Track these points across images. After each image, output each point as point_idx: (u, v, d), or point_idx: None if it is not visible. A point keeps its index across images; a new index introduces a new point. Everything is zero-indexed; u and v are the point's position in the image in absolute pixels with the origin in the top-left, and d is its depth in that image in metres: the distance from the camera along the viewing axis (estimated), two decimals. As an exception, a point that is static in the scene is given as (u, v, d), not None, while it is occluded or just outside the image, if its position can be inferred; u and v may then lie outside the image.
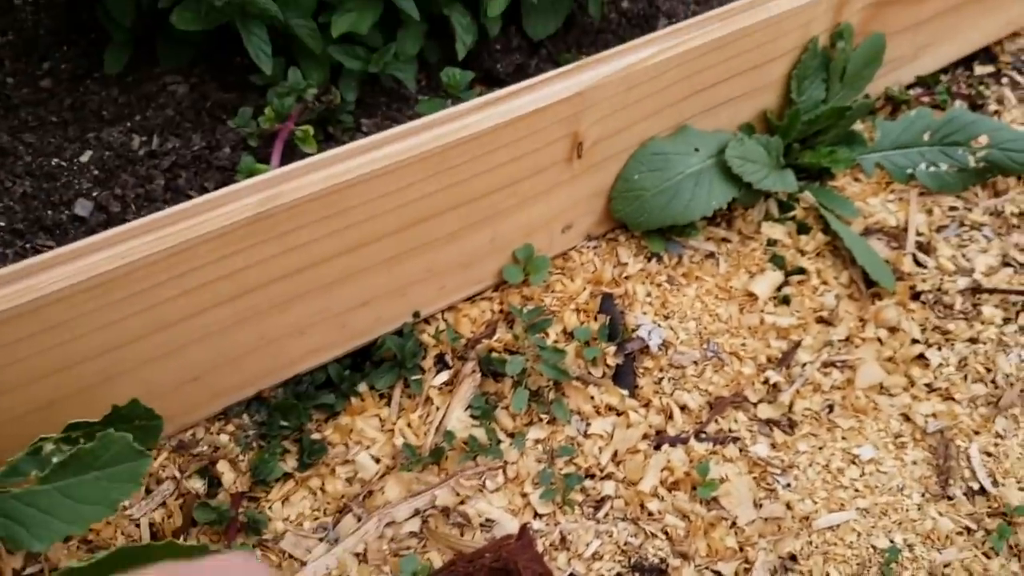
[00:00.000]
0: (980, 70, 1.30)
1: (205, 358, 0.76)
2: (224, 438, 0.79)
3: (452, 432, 0.81)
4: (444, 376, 0.85)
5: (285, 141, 0.84)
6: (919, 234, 1.02)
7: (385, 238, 0.79)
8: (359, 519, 0.76)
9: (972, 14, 1.22)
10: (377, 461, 0.80)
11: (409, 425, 0.82)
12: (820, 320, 0.92)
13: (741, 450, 0.81)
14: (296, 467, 0.79)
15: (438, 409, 0.83)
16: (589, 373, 0.86)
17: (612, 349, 0.87)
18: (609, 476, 0.80)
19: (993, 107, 1.21)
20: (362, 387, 0.84)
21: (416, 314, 0.86)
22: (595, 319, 0.90)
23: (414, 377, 0.84)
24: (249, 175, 0.74)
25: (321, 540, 0.75)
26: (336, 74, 0.94)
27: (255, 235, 0.71)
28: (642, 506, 0.77)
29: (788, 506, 0.78)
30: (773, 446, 0.82)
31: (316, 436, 0.81)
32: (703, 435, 0.82)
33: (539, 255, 0.91)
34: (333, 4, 0.88)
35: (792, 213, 1.02)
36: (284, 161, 0.83)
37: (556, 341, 0.88)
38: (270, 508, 0.76)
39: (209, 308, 0.73)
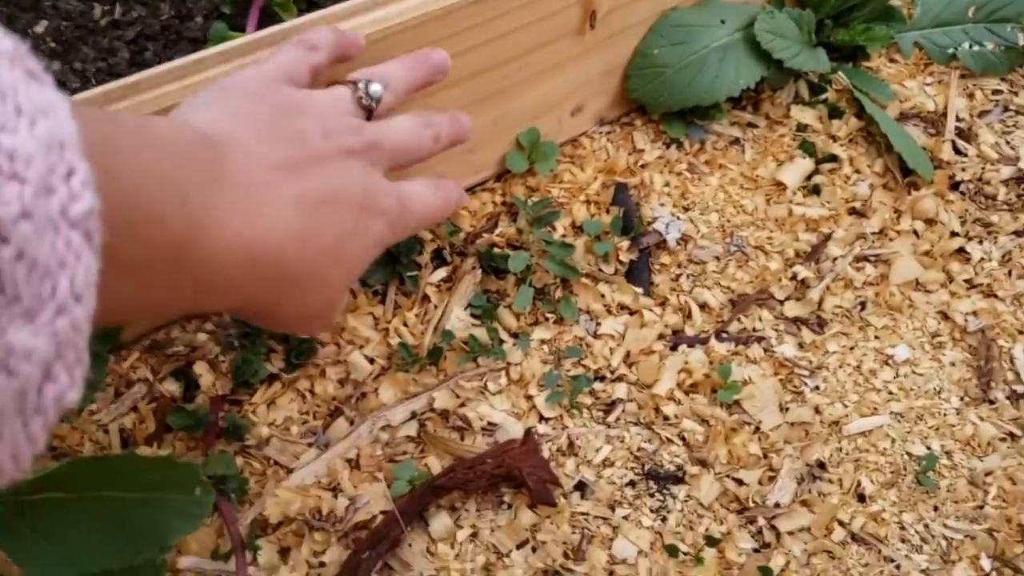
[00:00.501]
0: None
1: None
2: (202, 337, 0.72)
3: (451, 331, 0.74)
4: (442, 273, 0.78)
5: (262, 7, 0.75)
6: (959, 119, 0.94)
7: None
8: (351, 423, 0.70)
9: None
10: (371, 362, 0.73)
11: (405, 324, 0.76)
12: (853, 211, 0.85)
13: (766, 350, 0.75)
14: (283, 368, 0.72)
15: (436, 307, 0.77)
16: (600, 270, 0.79)
17: (626, 244, 0.80)
18: (621, 378, 0.73)
19: (1043, -18, 1.11)
20: (354, 284, 0.77)
21: (411, 203, 0.79)
22: (607, 211, 0.82)
23: (409, 274, 0.77)
24: (220, 43, 0.66)
25: (310, 445, 0.70)
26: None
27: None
28: (657, 410, 0.71)
29: (816, 410, 0.71)
30: (801, 346, 0.75)
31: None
32: (724, 335, 0.76)
33: (546, 141, 0.82)
34: None
35: (824, 96, 0.93)
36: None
37: (564, 235, 0.80)
38: (253, 412, 0.70)
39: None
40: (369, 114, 0.57)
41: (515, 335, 0.76)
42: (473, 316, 0.76)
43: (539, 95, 0.81)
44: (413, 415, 0.71)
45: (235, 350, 0.72)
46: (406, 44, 0.67)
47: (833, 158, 0.88)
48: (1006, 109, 0.96)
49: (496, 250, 0.78)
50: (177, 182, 0.38)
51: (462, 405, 0.71)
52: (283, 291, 0.47)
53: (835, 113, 0.91)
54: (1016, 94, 0.97)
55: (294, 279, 0.47)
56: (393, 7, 0.67)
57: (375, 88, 0.57)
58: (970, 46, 0.97)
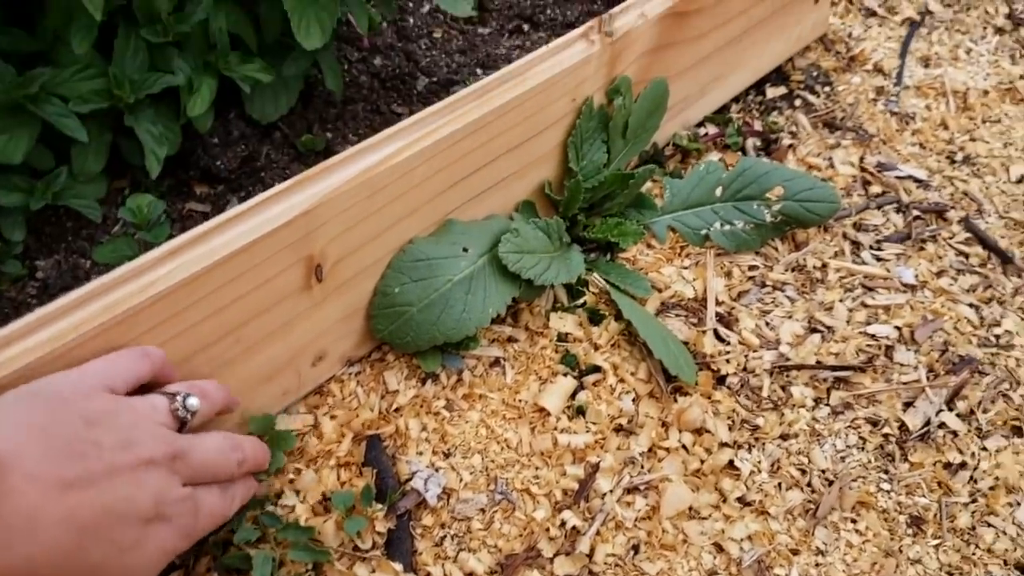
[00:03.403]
0: (772, 92, 1.23)
1: None
2: None
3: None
4: (172, 581, 0.68)
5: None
6: (719, 303, 0.93)
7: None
8: None
9: (759, 39, 1.14)
10: None
11: (129, 654, 0.65)
12: (619, 429, 0.81)
13: (538, 625, 0.69)
14: None
15: (168, 625, 0.67)
16: (356, 548, 0.71)
17: (382, 512, 0.73)
18: None
19: (787, 140, 1.14)
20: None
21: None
22: (360, 473, 0.75)
23: (132, 589, 0.67)
24: None
25: None
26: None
27: None
28: None
29: None
30: (575, 612, 0.70)
31: None
32: (494, 609, 0.70)
33: (281, 430, 0.74)
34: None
35: (583, 300, 0.90)
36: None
37: (316, 512, 0.72)
38: None
39: None
40: (182, 425, 0.59)
41: (264, 643, 0.67)
42: (212, 629, 0.67)
43: (269, 357, 0.73)
44: None
45: None
46: (90, 351, 0.59)
47: (596, 368, 0.85)
48: (763, 285, 0.96)
49: (233, 548, 0.70)
50: None
51: None
52: None
53: (595, 318, 0.89)
54: (771, 268, 0.98)
55: None
56: (62, 322, 0.58)
57: (192, 402, 0.60)
58: (721, 226, 0.97)
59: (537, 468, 0.78)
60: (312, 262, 0.72)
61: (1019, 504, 0.79)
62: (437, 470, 0.76)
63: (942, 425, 0.85)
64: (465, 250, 0.81)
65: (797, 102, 1.22)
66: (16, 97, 0.66)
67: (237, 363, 0.71)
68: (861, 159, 1.14)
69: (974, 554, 0.76)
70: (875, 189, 1.09)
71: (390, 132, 0.75)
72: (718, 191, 0.97)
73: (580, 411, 0.82)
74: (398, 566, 0.70)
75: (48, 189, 0.71)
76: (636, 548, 0.74)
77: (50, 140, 0.71)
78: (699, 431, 0.82)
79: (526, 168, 0.87)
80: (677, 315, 0.91)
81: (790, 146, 1.13)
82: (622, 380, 0.85)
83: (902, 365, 0.89)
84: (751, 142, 1.12)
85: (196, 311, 0.64)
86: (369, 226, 0.75)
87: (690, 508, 0.77)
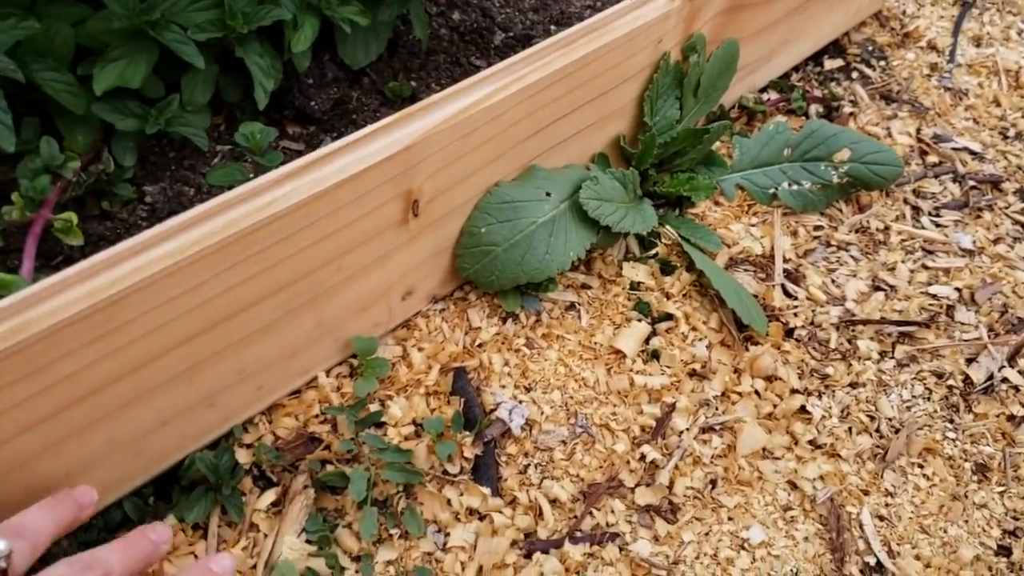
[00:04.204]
0: (830, 64, 1.25)
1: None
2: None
3: (287, 561, 0.67)
4: (270, 496, 0.71)
5: (40, 236, 0.67)
6: (786, 260, 0.95)
7: (179, 347, 0.64)
8: None
9: (822, 8, 1.16)
10: (194, 617, 0.65)
11: (232, 562, 0.68)
12: (693, 374, 0.84)
13: (622, 549, 0.72)
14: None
15: (266, 537, 0.70)
16: (445, 472, 0.74)
17: (469, 439, 0.76)
18: (475, 600, 0.69)
19: (848, 109, 1.16)
20: (169, 520, 0.69)
21: (230, 433, 0.72)
22: (448, 402, 0.78)
23: (233, 501, 0.70)
24: (-13, 291, 0.58)
25: None
26: (110, 133, 0.77)
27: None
28: (516, 634, 0.67)
29: (678, 615, 0.69)
30: (656, 539, 0.73)
31: (115, 593, 0.66)
32: (578, 534, 0.72)
33: (375, 358, 0.77)
34: (95, 50, 0.71)
35: (654, 251, 0.92)
36: (44, 258, 0.66)
37: (403, 437, 0.75)
38: None
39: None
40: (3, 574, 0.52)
41: (357, 558, 0.70)
42: (309, 542, 0.70)
43: (365, 288, 0.76)
44: (247, 676, 0.64)
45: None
46: (208, 268, 0.62)
47: (669, 316, 0.87)
48: (828, 245, 0.98)
49: (329, 467, 0.72)
50: None
51: (302, 657, 0.64)
52: None
53: (667, 268, 0.91)
54: (836, 229, 1.00)
55: None
56: (183, 236, 0.61)
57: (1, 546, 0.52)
58: (789, 185, 0.99)
59: (615, 406, 0.80)
60: (410, 197, 0.74)
61: (1082, 455, 0.81)
62: (520, 403, 0.79)
63: (1005, 380, 0.87)
64: (548, 195, 0.83)
65: (854, 74, 1.24)
66: (138, 23, 0.68)
67: (336, 291, 0.73)
68: (918, 130, 1.16)
69: (1039, 500, 0.78)
70: (932, 159, 1.11)
71: (482, 76, 0.77)
72: (786, 151, 1.00)
73: (654, 355, 0.84)
74: (486, 490, 0.73)
75: (161, 116, 0.74)
76: (714, 483, 0.77)
77: (159, 70, 0.74)
78: (771, 378, 0.84)
79: (604, 120, 0.90)
80: (746, 270, 0.94)
81: (851, 114, 1.15)
82: (694, 328, 0.87)
83: (963, 324, 0.91)
84: (814, 108, 1.14)
85: (307, 235, 0.67)
86: (461, 166, 0.77)
87: (763, 448, 0.79)
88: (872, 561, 0.73)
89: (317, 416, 0.76)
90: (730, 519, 0.75)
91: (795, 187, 0.99)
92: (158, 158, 0.81)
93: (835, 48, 1.28)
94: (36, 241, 0.66)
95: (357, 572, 0.69)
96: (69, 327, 0.56)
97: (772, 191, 0.99)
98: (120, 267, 0.58)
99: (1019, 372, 0.87)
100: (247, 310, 0.67)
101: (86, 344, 0.58)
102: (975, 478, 0.80)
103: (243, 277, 0.65)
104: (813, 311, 0.91)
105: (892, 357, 0.88)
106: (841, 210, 1.02)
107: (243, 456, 0.72)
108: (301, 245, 0.67)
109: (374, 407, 0.76)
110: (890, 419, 0.82)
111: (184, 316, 0.62)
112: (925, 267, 0.97)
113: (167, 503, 0.70)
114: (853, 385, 0.85)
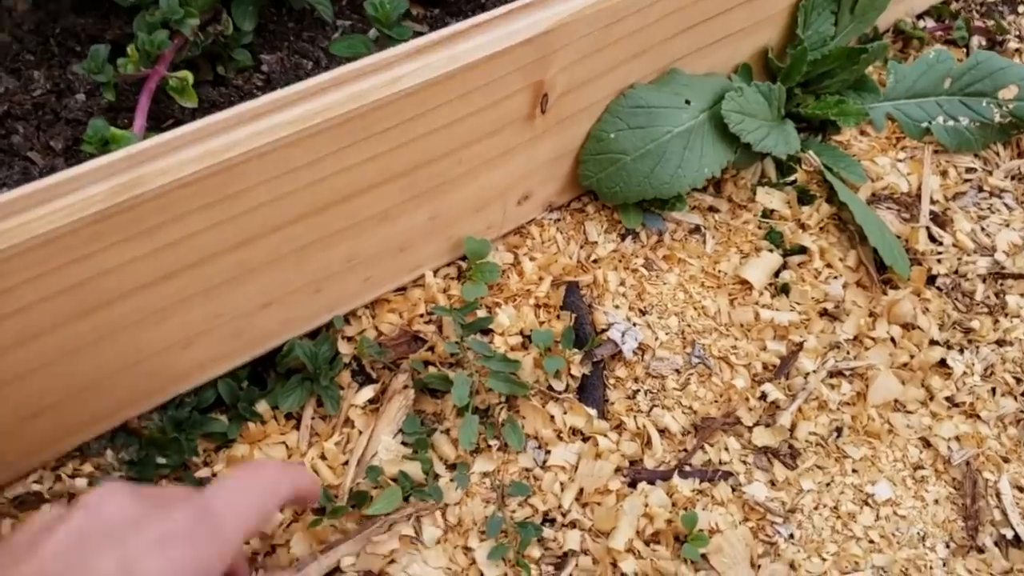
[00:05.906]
0: (994, -5, 1.13)
1: (52, 386, 0.57)
2: (81, 482, 0.61)
3: (378, 466, 0.64)
4: (368, 392, 0.68)
5: (154, 93, 0.63)
6: (933, 202, 0.87)
7: (291, 225, 0.60)
8: (259, 586, 0.60)
9: (997, -70, 1.04)
10: (281, 508, 0.63)
11: (323, 456, 0.65)
12: (824, 313, 0.77)
13: (734, 489, 0.67)
14: (178, 515, 0.61)
15: (360, 434, 0.66)
16: (550, 387, 0.70)
17: (578, 357, 0.71)
18: (573, 524, 0.64)
19: (1014, 44, 1.05)
20: (262, 406, 0.67)
21: (331, 323, 0.68)
22: (558, 316, 0.73)
23: (330, 393, 0.67)
24: (101, 146, 0.54)
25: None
26: (229, -8, 0.72)
27: (108, 235, 0.51)
28: (614, 565, 0.63)
29: (792, 566, 0.63)
30: (773, 483, 0.67)
31: (204, 473, 0.64)
32: (688, 468, 0.67)
33: (486, 263, 0.73)
34: None
35: (793, 177, 0.85)
36: (154, 120, 0.63)
37: (509, 347, 0.71)
38: None
39: (52, 329, 0.53)
40: None
41: (453, 466, 0.66)
42: (404, 444, 0.66)
43: (483, 186, 0.71)
44: (331, 574, 0.61)
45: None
46: (327, 143, 0.57)
47: (803, 249, 0.80)
48: (980, 190, 0.89)
49: (432, 368, 0.68)
50: None
51: (391, 562, 0.61)
52: None
53: (804, 198, 0.83)
54: (990, 173, 0.91)
55: None
56: (304, 105, 0.56)
57: None
58: (944, 120, 0.90)
59: (736, 339, 0.74)
60: (540, 90, 0.68)
61: None
62: (634, 325, 0.73)
63: None
64: (687, 103, 0.76)
65: (1020, 8, 1.12)
66: None
67: (455, 186, 0.68)
68: (1090, 76, 1.04)
69: None
70: (1104, 108, 1.00)
71: (633, -38, 0.70)
72: (946, 83, 0.90)
73: (784, 289, 0.78)
74: (591, 411, 0.68)
75: (287, -24, 0.69)
76: (839, 431, 0.70)
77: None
78: (908, 326, 0.77)
79: (754, 26, 0.82)
80: (889, 208, 0.86)
81: (1016, 50, 1.04)
82: (829, 265, 0.80)
83: None
84: (976, 40, 1.04)
85: (432, 118, 0.62)
86: (598, 61, 0.71)
87: (896, 400, 0.73)
88: (1009, 534, 0.67)
89: (422, 315, 0.71)
90: (855, 471, 0.69)
91: (951, 123, 0.90)
92: (277, 27, 0.76)
93: (1003, -23, 1.15)
94: (149, 98, 0.62)
95: (452, 480, 0.65)
96: (181, 188, 0.52)
97: (925, 125, 0.90)
98: (238, 131, 0.54)
99: None
100: (364, 194, 0.62)
101: (197, 209, 0.54)
102: None
103: (363, 157, 0.60)
104: (959, 259, 0.82)
105: (1045, 318, 0.79)
106: (999, 153, 0.92)
107: (344, 348, 0.69)
108: (426, 129, 0.62)
109: (482, 313, 0.72)
110: (1039, 385, 0.75)
111: (300, 191, 0.58)
112: (1088, 225, 0.88)
113: (261, 389, 0.67)
114: (1000, 343, 0.77)
